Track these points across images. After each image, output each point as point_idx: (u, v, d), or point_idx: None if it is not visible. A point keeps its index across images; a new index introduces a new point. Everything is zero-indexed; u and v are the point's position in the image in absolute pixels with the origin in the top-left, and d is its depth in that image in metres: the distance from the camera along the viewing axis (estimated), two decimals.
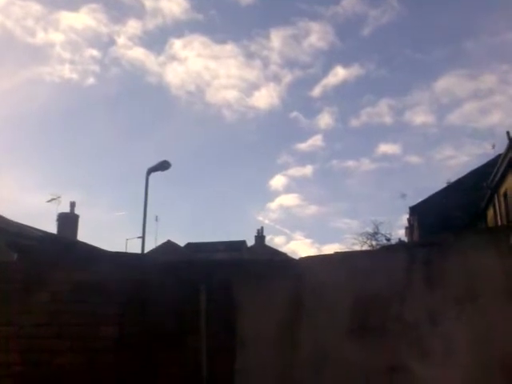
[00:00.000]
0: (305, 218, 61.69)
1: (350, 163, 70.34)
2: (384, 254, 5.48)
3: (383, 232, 30.89)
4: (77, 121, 60.67)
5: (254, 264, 5.80)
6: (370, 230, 30.96)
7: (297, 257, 5.95)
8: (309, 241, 69.73)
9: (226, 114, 65.01)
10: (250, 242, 42.85)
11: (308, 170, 70.39)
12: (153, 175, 18.89)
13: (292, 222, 65.45)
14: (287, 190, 74.75)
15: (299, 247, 59.58)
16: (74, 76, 57.46)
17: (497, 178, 22.69)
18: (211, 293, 5.34)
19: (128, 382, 5.04)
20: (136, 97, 64.48)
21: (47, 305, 5.11)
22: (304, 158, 68.69)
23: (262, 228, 43.22)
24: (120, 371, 5.07)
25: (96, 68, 57.90)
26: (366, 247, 29.03)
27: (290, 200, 76.34)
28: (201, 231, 68.97)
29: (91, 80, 55.95)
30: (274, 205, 74.10)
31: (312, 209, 66.00)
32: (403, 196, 32.92)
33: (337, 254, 5.48)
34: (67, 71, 56.02)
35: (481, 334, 4.58)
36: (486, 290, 4.68)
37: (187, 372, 5.16)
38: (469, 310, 4.68)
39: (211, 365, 5.18)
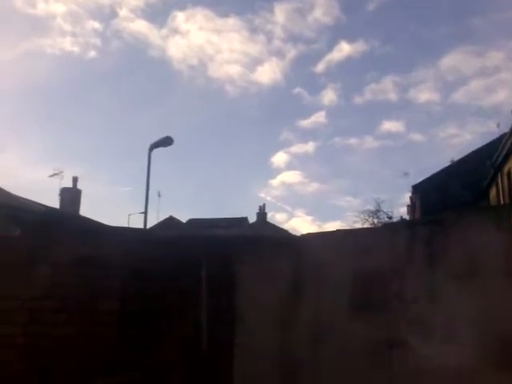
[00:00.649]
0: (306, 195, 61.70)
1: (353, 141, 69.92)
2: (385, 231, 5.46)
3: (385, 210, 31.01)
4: (78, 95, 60.29)
5: (256, 240, 5.80)
6: (371, 207, 31.07)
7: (298, 234, 5.94)
8: (310, 218, 69.80)
9: (229, 90, 64.60)
10: (252, 219, 42.95)
11: (310, 147, 70.11)
12: (155, 151, 18.86)
13: (293, 199, 65.48)
14: (289, 167, 74.52)
15: (300, 224, 59.66)
16: (76, 49, 56.90)
17: (501, 157, 22.60)
18: (212, 268, 5.34)
19: (129, 356, 5.09)
20: (138, 71, 63.98)
21: (49, 278, 5.12)
22: (306, 135, 68.34)
23: (264, 205, 43.24)
24: (121, 345, 5.11)
25: (97, 41, 57.29)
26: (367, 225, 29.11)
27: (291, 177, 76.31)
28: (203, 207, 69.00)
29: (92, 53, 55.42)
30: (275, 182, 73.84)
31: (314, 186, 65.97)
32: (406, 174, 32.95)
33: (338, 231, 5.49)
34: (68, 44, 55.45)
35: (482, 311, 4.59)
36: (488, 268, 4.67)
37: (188, 345, 5.20)
38: (470, 288, 4.69)
39: (212, 338, 5.22)
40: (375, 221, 30.22)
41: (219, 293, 5.28)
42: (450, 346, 4.58)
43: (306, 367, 4.97)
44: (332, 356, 4.91)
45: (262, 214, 42.71)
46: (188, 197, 64.95)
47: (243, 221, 40.85)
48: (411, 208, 33.16)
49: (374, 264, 4.99)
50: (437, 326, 4.72)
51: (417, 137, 65.82)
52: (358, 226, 29.02)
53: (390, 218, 30.32)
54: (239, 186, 65.03)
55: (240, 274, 5.29)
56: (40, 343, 4.98)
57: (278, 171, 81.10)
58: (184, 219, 41.92)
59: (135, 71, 63.68)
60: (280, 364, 5.04)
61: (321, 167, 67.81)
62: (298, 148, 72.34)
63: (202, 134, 66.59)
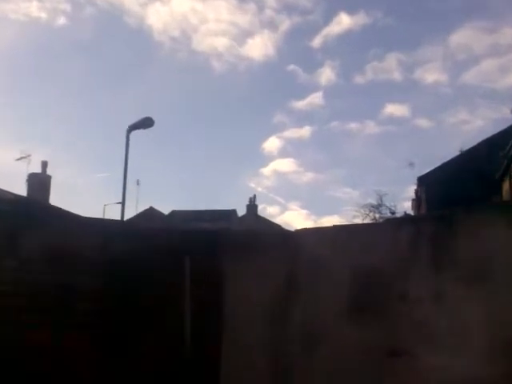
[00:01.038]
0: (301, 185, 61.35)
1: (353, 125, 69.85)
2: (388, 227, 5.49)
3: (387, 204, 30.98)
4: (47, 66, 58.83)
5: (244, 235, 5.83)
6: (373, 201, 30.96)
7: (292, 229, 5.98)
8: (305, 212, 69.77)
9: (215, 65, 64.02)
10: (241, 212, 43.01)
11: (306, 131, 69.80)
12: (134, 133, 18.74)
13: (287, 190, 65.13)
14: (282, 153, 74.22)
15: (294, 219, 59.48)
16: (43, 15, 56.04)
17: None
18: (196, 265, 5.36)
19: (106, 364, 5.08)
20: (113, 42, 61.98)
21: (15, 273, 5.09)
22: (301, 118, 68.05)
23: (255, 196, 43.15)
24: (97, 351, 5.11)
25: (67, 7, 56.33)
26: (368, 220, 29.13)
27: (285, 165, 76.16)
28: (187, 198, 68.52)
29: (62, 20, 54.59)
30: (267, 170, 73.77)
31: (309, 176, 65.61)
32: (411, 165, 32.59)
33: (335, 226, 5.50)
34: (35, 9, 54.57)
35: (491, 315, 4.60)
36: (498, 269, 4.68)
37: (170, 350, 5.22)
38: (479, 291, 4.69)
39: (196, 342, 5.24)
40: (377, 216, 30.25)
41: (204, 291, 5.33)
42: (458, 354, 4.60)
43: (297, 369, 5.00)
44: (325, 362, 4.95)
45: (252, 206, 42.72)
46: (170, 186, 64.56)
47: (231, 214, 40.87)
48: (416, 202, 33.27)
49: (375, 263, 5.02)
50: (443, 331, 4.73)
51: (423, 122, 65.78)
52: (358, 221, 29.00)
53: (393, 213, 30.36)
54: (227, 175, 64.44)
55: (227, 272, 5.33)
56: (4, 346, 4.92)
57: (269, 158, 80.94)
58: (166, 211, 41.87)
59: (110, 42, 62.40)
60: (269, 364, 5.09)
61: (317, 155, 67.40)
62: (293, 133, 72.13)
63: (185, 116, 65.85)
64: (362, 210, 30.57)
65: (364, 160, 61.58)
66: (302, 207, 77.42)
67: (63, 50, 59.57)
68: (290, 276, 5.23)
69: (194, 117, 63.05)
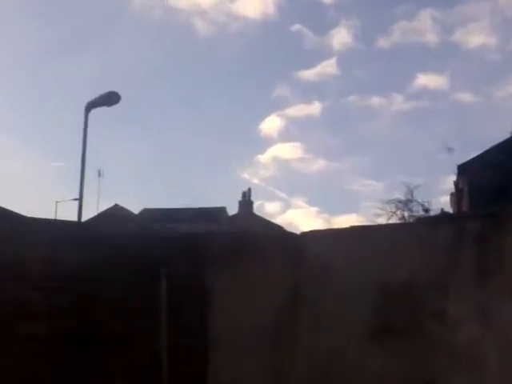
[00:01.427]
0: (309, 176, 61.07)
1: (375, 100, 70.09)
2: (420, 228, 5.51)
3: (419, 199, 31.11)
4: None
5: (236, 240, 5.83)
6: (400, 196, 31.11)
7: (297, 231, 6.03)
8: (314, 209, 70.07)
9: (199, 26, 64.16)
10: (233, 210, 43.08)
11: (315, 108, 70.19)
12: (95, 112, 18.73)
13: (291, 182, 64.74)
14: (285, 136, 74.04)
15: (300, 218, 59.34)
16: None
17: None
18: (175, 278, 5.40)
19: None
20: None
21: None
22: (309, 92, 68.11)
23: (250, 190, 43.12)
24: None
25: None
26: (394, 220, 29.20)
27: (288, 151, 76.23)
28: (163, 193, 67.91)
29: None
30: (265, 158, 73.88)
31: (319, 164, 66.04)
32: (449, 150, 32.44)
33: (353, 228, 5.53)
34: None
35: None
36: None
37: None
38: None
39: (174, 376, 5.26)
40: (406, 214, 30.00)
41: (185, 312, 5.37)
42: None
43: None
44: None
45: (246, 202, 42.78)
46: (142, 178, 64.62)
47: (220, 212, 40.97)
48: (456, 196, 33.33)
49: (404, 273, 5.07)
50: (490, 358, 4.74)
51: (465, 97, 66.06)
52: (382, 221, 28.92)
53: (427, 210, 30.42)
54: (214, 163, 64.31)
55: (214, 286, 5.38)
56: None
57: (268, 142, 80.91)
58: (136, 209, 41.92)
59: None
60: None
61: (330, 137, 67.58)
62: (298, 110, 72.36)
63: (161, 90, 65.57)
64: (387, 207, 30.72)
65: (390, 144, 61.61)
66: (310, 204, 77.80)
67: (3, 5, 59.21)
68: (295, 291, 5.28)
69: (173, 91, 62.78)
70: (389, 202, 30.93)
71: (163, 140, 62.07)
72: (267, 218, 42.79)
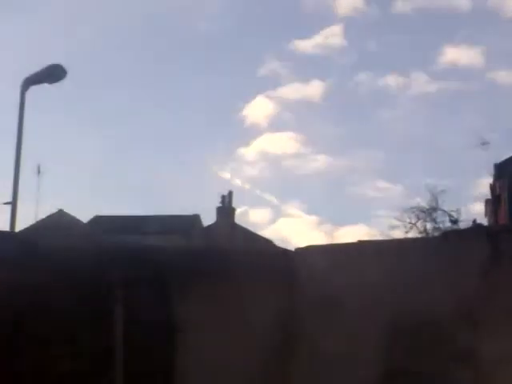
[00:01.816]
0: (306, 177, 60.39)
1: (391, 80, 69.92)
2: (446, 246, 5.56)
3: (446, 208, 31.11)
4: None
5: (213, 257, 5.86)
6: (423, 202, 31.09)
7: (290, 247, 6.05)
8: (313, 219, 69.52)
9: None
10: (209, 219, 42.90)
11: (314, 89, 69.34)
12: (34, 91, 18.74)
13: (283, 183, 63.22)
14: (275, 125, 73.08)
15: (295, 229, 58.87)
16: None
17: None
18: (134, 305, 5.40)
19: None
20: None
21: None
22: (307, 68, 67.56)
23: (231, 193, 42.78)
24: None
25: None
26: (414, 234, 29.16)
27: (279, 144, 74.71)
28: (120, 196, 67.33)
29: None
30: (250, 152, 72.96)
31: (320, 161, 64.83)
32: (484, 144, 32.31)
33: (362, 244, 5.63)
34: None
35: None
36: None
37: None
38: None
39: None
40: (429, 226, 30.15)
41: (146, 346, 5.37)
42: None
43: None
44: None
45: (225, 209, 42.63)
46: (94, 177, 64.17)
47: (192, 222, 40.80)
48: (492, 204, 33.41)
49: (425, 303, 5.10)
50: None
51: (503, 76, 66.09)
52: (399, 235, 28.93)
53: (455, 221, 30.39)
54: (186, 159, 64.04)
55: (183, 314, 5.42)
56: None
57: (255, 132, 79.98)
58: (85, 217, 41.86)
59: None
60: None
61: (333, 127, 66.79)
62: (293, 91, 71.43)
63: (118, 63, 65.05)
64: (405, 217, 30.64)
65: (409, 136, 61.01)
66: (308, 211, 77.21)
67: None
68: (287, 327, 5.35)
69: (134, 66, 61.96)
70: (408, 210, 30.83)
71: (121, 128, 61.02)
72: (252, 229, 42.68)
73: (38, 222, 36.63)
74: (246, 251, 6.88)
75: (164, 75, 63.48)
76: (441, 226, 29.91)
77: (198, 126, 62.26)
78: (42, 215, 38.66)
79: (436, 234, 26.20)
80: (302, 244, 5.51)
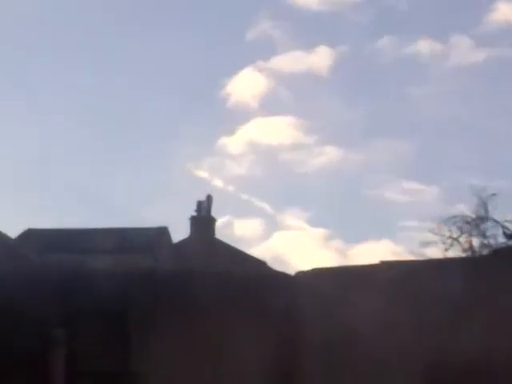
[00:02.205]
0: (310, 176, 59.88)
1: (425, 47, 69.46)
2: (499, 267, 5.55)
3: (498, 218, 30.81)
4: None
5: (184, 283, 5.89)
6: (467, 210, 30.73)
7: (289, 270, 5.96)
8: (319, 232, 68.73)
9: None
10: (180, 233, 42.72)
11: (321, 58, 68.92)
12: None
13: (279, 185, 64.03)
14: (268, 105, 72.62)
15: (295, 246, 58.73)
16: None
17: None
18: (79, 352, 5.42)
19: None
20: None
21: None
22: (311, 30, 67.81)
23: (209, 199, 42.44)
24: None
25: None
26: (456, 252, 28.75)
27: (274, 131, 74.98)
28: (61, 204, 67.36)
29: None
30: (235, 142, 72.04)
31: (328, 155, 64.03)
32: None
33: (385, 265, 5.61)
34: None
35: None
36: None
37: None
38: None
39: None
40: (475, 241, 30.06)
41: None
42: None
43: None
44: None
45: (202, 220, 42.64)
46: (25, 178, 64.38)
47: (158, 236, 40.73)
48: None
49: (472, 339, 5.07)
50: None
51: None
52: (435, 253, 28.78)
53: (511, 235, 30.28)
54: (149, 154, 63.92)
55: (146, 360, 5.39)
56: None
57: (241, 116, 79.44)
58: (14, 231, 41.87)
59: None
60: None
61: (346, 109, 66.07)
62: (292, 61, 70.30)
63: (56, 25, 65.42)
64: (443, 230, 30.24)
65: (447, 121, 60.35)
66: (312, 222, 75.99)
67: None
68: (288, 364, 5.35)
69: (76, 28, 62.35)
70: (447, 220, 30.37)
71: (67, 112, 61.08)
72: (238, 245, 42.68)
73: None
74: (230, 275, 6.70)
75: (119, 39, 63.17)
76: (491, 241, 29.31)
77: (166, 109, 61.53)
78: None
79: (485, 251, 25.78)
80: (305, 266, 5.39)
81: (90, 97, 56.23)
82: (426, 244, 27.04)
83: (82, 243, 34.75)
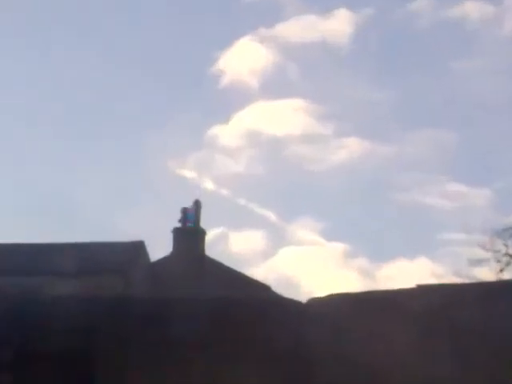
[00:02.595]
0: (326, 176, 57.88)
1: (469, 9, 68.15)
2: None
3: None
4: None
5: (165, 311, 5.33)
6: None
7: (299, 294, 5.30)
8: (337, 247, 67.01)
9: None
10: (161, 248, 41.99)
11: (339, 25, 67.66)
12: None
13: (287, 187, 62.41)
14: (272, 85, 71.60)
15: (306, 265, 56.96)
16: None
17: None
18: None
19: None
20: None
21: None
22: None
23: (198, 204, 41.88)
24: None
25: None
26: None
27: (280, 119, 73.27)
28: (13, 214, 66.00)
29: None
30: (230, 133, 70.20)
31: (349, 148, 61.62)
32: None
33: (423, 289, 5.05)
34: None
35: None
36: None
37: None
38: None
39: None
40: None
41: None
42: None
43: None
44: None
45: (188, 232, 41.82)
46: None
47: (133, 252, 39.93)
48: None
49: None
50: None
51: None
52: (486, 274, 27.78)
53: None
54: (123, 150, 62.45)
55: None
56: None
57: (237, 98, 78.16)
58: None
59: None
60: None
61: (370, 89, 63.82)
62: (302, 27, 69.46)
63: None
64: (497, 245, 29.42)
65: (500, 105, 57.80)
66: (329, 235, 74.05)
67: None
68: None
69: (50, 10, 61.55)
70: (501, 232, 29.54)
71: (31, 102, 60.13)
72: (235, 265, 41.86)
73: None
74: (223, 303, 6.04)
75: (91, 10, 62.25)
76: None
77: (141, 92, 59.12)
78: None
79: None
80: (319, 292, 4.69)
81: (60, 80, 54.79)
82: (475, 262, 25.35)
83: (38, 262, 33.30)
